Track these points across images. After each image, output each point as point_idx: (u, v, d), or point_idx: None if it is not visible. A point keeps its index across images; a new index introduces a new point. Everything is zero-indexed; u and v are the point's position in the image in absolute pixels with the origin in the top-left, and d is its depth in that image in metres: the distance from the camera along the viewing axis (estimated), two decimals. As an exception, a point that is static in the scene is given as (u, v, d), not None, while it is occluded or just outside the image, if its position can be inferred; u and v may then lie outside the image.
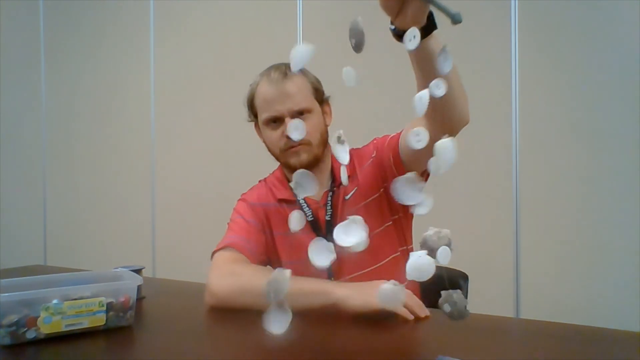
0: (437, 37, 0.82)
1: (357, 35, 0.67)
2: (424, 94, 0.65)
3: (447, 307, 0.64)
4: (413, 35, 0.66)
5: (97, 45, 3.05)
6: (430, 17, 0.78)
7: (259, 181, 1.31)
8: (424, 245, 0.64)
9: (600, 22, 1.86)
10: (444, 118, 0.93)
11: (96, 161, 3.06)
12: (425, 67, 0.85)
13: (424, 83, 0.84)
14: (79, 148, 3.13)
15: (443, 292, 0.64)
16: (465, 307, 0.64)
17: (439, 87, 0.65)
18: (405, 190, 0.65)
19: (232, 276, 1.07)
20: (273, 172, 1.30)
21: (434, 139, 0.96)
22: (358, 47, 0.68)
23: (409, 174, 0.67)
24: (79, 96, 3.13)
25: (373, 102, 2.20)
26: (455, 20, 0.67)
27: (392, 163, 1.15)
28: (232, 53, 2.57)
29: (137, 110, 2.89)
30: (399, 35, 0.76)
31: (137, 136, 2.90)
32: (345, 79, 0.67)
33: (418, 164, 1.12)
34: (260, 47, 2.49)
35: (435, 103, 0.85)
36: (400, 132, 1.16)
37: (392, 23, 0.77)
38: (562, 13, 1.91)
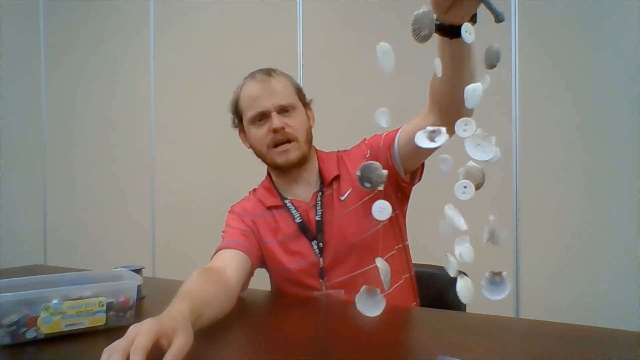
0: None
1: (428, 27, 0.66)
2: (477, 86, 0.63)
3: (485, 235, 0.65)
4: (468, 31, 0.66)
5: (97, 45, 3.05)
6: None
7: (249, 192, 1.31)
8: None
9: (600, 22, 1.86)
10: (458, 106, 0.93)
11: (96, 161, 3.06)
12: (456, 61, 0.86)
13: (451, 77, 0.87)
14: (79, 148, 3.13)
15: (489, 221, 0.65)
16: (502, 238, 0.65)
17: (468, 32, 0.64)
18: (474, 148, 0.64)
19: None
20: (261, 182, 1.30)
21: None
22: (426, 38, 0.67)
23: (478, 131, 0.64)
24: (79, 96, 3.13)
25: (371, 102, 2.20)
26: (500, 19, 0.68)
27: (389, 163, 1.15)
28: (232, 53, 2.57)
29: (137, 111, 2.90)
30: (441, 29, 0.78)
31: (137, 136, 2.90)
32: (378, 119, 0.66)
33: (414, 162, 1.14)
34: (260, 47, 2.49)
35: (453, 91, 0.87)
36: (397, 130, 1.16)
37: (436, 18, 0.77)
38: (562, 13, 1.91)
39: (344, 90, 2.24)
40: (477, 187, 0.62)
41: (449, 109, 0.95)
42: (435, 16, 0.69)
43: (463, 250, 0.63)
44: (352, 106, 2.23)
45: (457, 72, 0.87)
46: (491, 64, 0.66)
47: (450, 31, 0.78)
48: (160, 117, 2.84)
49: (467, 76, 0.88)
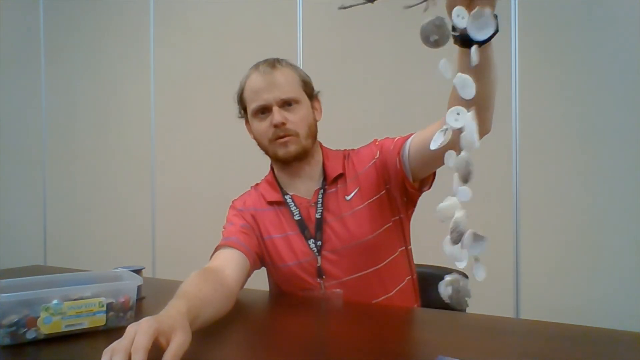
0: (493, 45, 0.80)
1: (435, 32, 0.63)
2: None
3: (448, 290, 0.58)
4: (461, 16, 0.60)
5: (97, 45, 3.05)
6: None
7: (251, 187, 1.31)
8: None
9: (600, 22, 1.86)
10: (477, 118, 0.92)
11: (96, 161, 3.06)
12: (475, 72, 0.83)
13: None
14: (79, 148, 3.13)
15: (450, 275, 0.58)
16: (467, 298, 0.59)
17: (460, 16, 0.60)
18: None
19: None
20: (265, 177, 1.29)
21: (453, 145, 0.98)
22: (438, 43, 0.63)
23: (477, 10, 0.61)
24: (79, 96, 3.13)
25: (371, 102, 2.20)
26: None
27: (397, 166, 1.14)
28: (232, 53, 2.57)
29: (137, 111, 2.90)
30: (462, 40, 0.75)
31: (137, 136, 2.90)
32: (442, 70, 0.63)
33: (424, 169, 1.13)
34: (260, 47, 2.49)
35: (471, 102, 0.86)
36: (408, 136, 1.14)
37: (454, 30, 0.75)
38: (562, 13, 1.91)
39: (344, 90, 2.24)
40: (465, 180, 0.58)
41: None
42: (445, 22, 0.64)
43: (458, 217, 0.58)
44: (352, 106, 2.23)
45: (479, 87, 0.86)
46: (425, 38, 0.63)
47: (467, 41, 0.75)
48: (160, 117, 2.83)
49: (487, 88, 0.86)
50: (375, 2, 0.67)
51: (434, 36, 0.62)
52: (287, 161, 1.18)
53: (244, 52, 2.52)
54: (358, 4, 0.67)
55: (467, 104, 0.82)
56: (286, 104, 1.15)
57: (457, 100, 0.95)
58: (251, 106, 1.18)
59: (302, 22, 2.41)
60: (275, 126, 1.14)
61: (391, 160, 1.15)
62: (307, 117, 1.19)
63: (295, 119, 1.16)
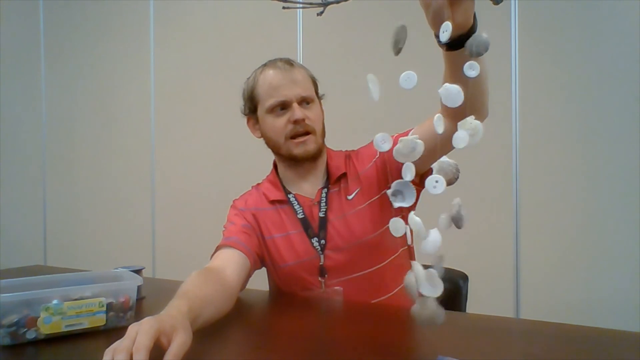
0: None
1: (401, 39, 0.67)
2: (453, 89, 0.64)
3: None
4: (445, 30, 0.66)
5: (97, 45, 3.05)
6: (474, 20, 0.78)
7: (252, 187, 1.30)
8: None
9: (600, 22, 1.86)
10: (468, 111, 0.93)
11: (96, 161, 3.06)
12: (461, 72, 0.85)
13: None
14: (78, 148, 3.13)
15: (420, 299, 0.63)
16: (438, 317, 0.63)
17: (472, 68, 0.65)
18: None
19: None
20: (266, 177, 1.29)
21: (451, 134, 0.99)
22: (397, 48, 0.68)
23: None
24: (79, 96, 3.13)
25: (371, 102, 2.19)
26: (497, 1, 0.69)
27: (398, 161, 1.14)
28: (232, 53, 2.57)
29: (137, 110, 2.90)
30: (442, 42, 0.76)
31: (137, 136, 2.90)
32: (402, 83, 0.67)
33: (426, 163, 1.13)
34: (260, 47, 2.49)
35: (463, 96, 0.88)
36: (407, 131, 1.13)
37: (436, 36, 0.77)
38: (562, 12, 1.91)
39: (344, 90, 2.24)
40: (450, 183, 0.62)
41: (461, 117, 0.94)
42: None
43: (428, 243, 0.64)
44: (352, 106, 2.23)
45: (464, 82, 0.87)
46: (477, 53, 0.66)
47: (450, 44, 0.78)
48: (160, 117, 2.84)
49: (475, 86, 0.87)
50: (375, 1, 0.68)
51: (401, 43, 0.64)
52: (302, 160, 1.18)
53: (244, 52, 2.52)
54: (304, 5, 0.68)
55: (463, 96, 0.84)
56: (304, 101, 1.16)
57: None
58: (268, 102, 1.16)
59: (302, 22, 2.41)
60: (296, 122, 1.14)
61: (391, 157, 1.15)
62: (321, 115, 1.21)
63: (313, 116, 1.17)
